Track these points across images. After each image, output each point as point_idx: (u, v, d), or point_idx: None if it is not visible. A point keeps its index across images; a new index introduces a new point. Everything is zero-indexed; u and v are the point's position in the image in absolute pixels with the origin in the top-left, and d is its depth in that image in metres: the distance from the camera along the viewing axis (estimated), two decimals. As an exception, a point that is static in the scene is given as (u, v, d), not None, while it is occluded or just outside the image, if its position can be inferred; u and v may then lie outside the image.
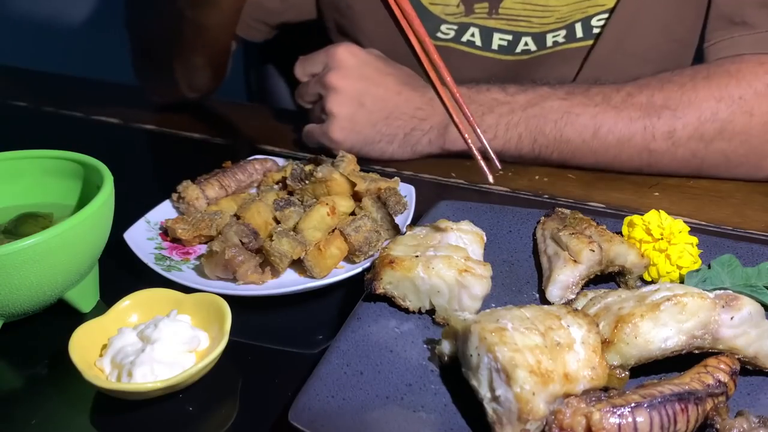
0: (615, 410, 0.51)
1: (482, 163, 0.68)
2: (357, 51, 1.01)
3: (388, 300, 0.68)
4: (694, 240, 0.73)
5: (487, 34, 1.08)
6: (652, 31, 1.07)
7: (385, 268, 0.67)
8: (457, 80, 1.11)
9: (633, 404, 0.51)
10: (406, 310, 0.67)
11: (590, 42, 1.08)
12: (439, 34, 1.09)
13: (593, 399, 0.52)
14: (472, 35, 1.08)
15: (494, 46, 1.09)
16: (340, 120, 0.99)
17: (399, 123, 1.01)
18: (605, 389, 0.56)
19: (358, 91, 0.99)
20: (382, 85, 1.01)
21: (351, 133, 1.00)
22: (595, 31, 1.07)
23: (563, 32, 1.07)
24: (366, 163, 0.97)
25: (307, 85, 1.04)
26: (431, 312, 0.67)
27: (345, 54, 1.00)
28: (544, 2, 1.04)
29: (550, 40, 1.08)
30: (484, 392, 0.54)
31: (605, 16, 1.05)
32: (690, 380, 0.55)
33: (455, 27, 1.08)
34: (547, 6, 1.04)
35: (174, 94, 1.22)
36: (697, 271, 0.71)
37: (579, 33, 1.07)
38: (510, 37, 1.08)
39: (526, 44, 1.08)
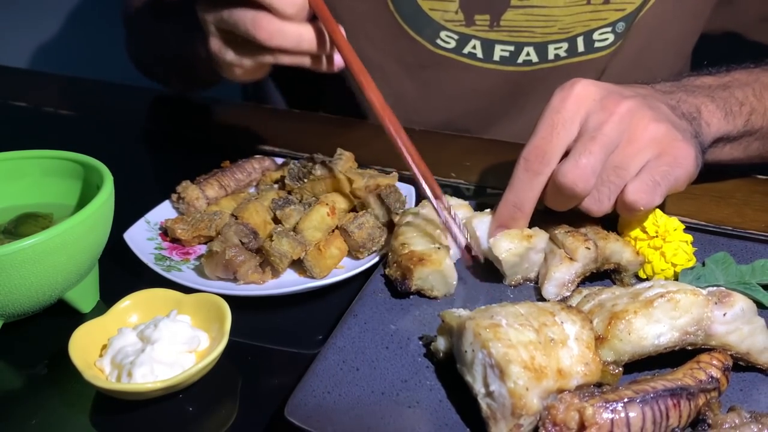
0: (608, 405, 0.51)
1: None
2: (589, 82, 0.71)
3: (386, 297, 0.69)
4: (689, 238, 0.73)
5: (488, 46, 1.08)
6: (667, 47, 1.08)
7: (416, 267, 0.69)
8: (459, 92, 1.12)
9: (626, 399, 0.52)
10: (435, 298, 0.71)
11: (592, 56, 1.09)
12: (439, 41, 1.09)
13: (586, 394, 0.53)
14: (473, 47, 1.08)
15: (496, 57, 1.09)
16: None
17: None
18: (599, 385, 0.56)
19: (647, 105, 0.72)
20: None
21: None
22: (597, 45, 1.08)
23: (565, 45, 1.08)
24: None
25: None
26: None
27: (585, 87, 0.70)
28: (546, 12, 1.05)
29: (551, 52, 1.08)
30: (479, 388, 0.55)
31: (608, 29, 1.06)
32: (683, 376, 0.56)
33: (455, 37, 1.08)
34: (550, 15, 1.05)
35: (166, 86, 1.27)
36: (692, 268, 0.72)
37: (581, 47, 1.08)
38: (512, 48, 1.08)
39: (527, 54, 1.09)
